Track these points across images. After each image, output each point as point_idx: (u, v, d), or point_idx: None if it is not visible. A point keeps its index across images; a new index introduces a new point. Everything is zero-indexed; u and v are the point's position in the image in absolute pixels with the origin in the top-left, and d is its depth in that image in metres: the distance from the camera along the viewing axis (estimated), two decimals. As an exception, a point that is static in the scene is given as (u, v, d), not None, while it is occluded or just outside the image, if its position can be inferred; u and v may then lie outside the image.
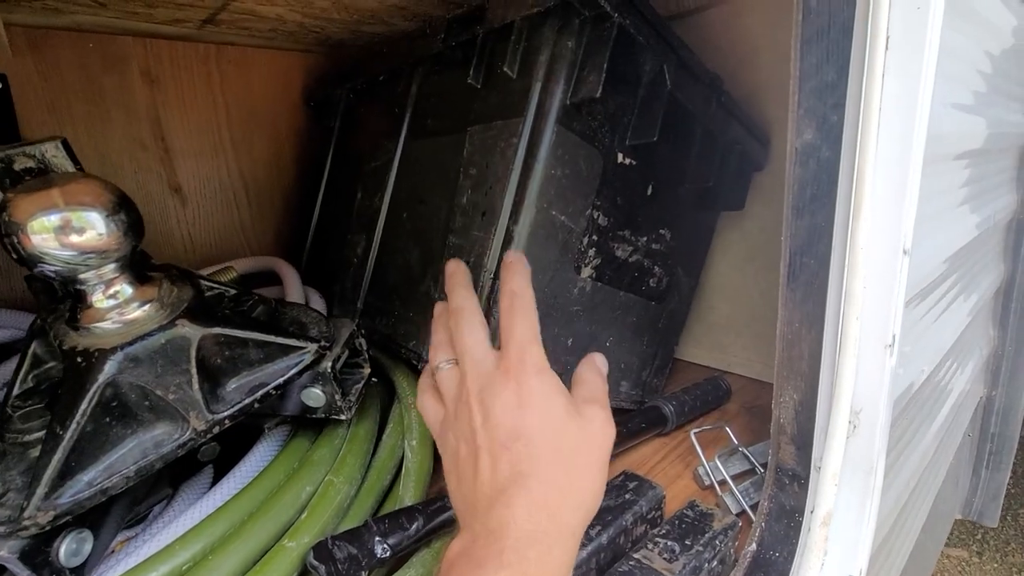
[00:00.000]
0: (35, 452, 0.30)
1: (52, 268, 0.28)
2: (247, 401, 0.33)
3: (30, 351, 0.33)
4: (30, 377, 0.33)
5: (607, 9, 0.37)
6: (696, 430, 0.46)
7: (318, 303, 0.64)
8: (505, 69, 0.42)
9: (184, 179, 0.79)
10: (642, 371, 0.56)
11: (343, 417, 0.39)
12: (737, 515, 0.40)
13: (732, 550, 0.35)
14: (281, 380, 0.35)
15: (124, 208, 0.29)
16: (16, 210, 0.27)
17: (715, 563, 0.33)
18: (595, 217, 0.45)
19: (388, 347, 0.53)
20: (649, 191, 0.49)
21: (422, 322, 0.47)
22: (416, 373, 0.52)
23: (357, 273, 0.60)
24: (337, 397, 0.39)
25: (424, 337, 0.47)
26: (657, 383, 0.59)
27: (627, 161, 0.46)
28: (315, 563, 0.30)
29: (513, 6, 0.42)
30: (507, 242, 0.41)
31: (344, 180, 0.71)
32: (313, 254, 0.76)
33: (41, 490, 0.27)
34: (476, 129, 0.45)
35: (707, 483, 0.44)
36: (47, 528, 0.27)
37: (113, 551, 0.34)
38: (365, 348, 0.43)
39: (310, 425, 0.44)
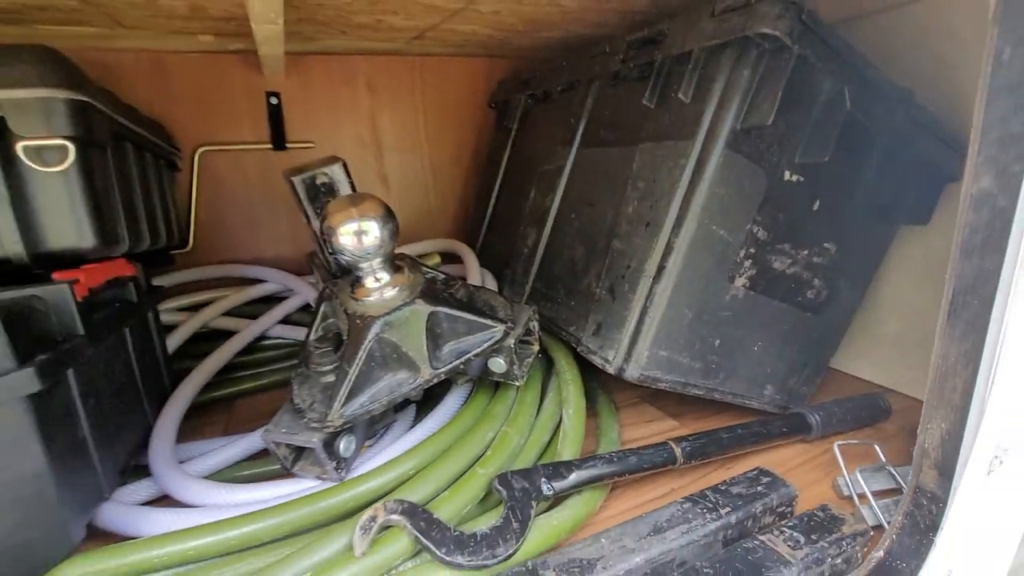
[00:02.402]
0: (326, 379, 0.44)
1: (345, 258, 0.42)
2: (456, 363, 0.44)
3: (321, 309, 0.48)
4: (320, 327, 0.48)
5: (787, 42, 0.40)
6: (841, 442, 0.48)
7: (491, 283, 0.76)
8: (680, 95, 0.46)
9: (389, 170, 0.97)
10: (788, 378, 0.57)
11: (517, 383, 0.50)
12: (872, 528, 0.41)
13: (860, 555, 0.38)
14: (479, 350, 0.45)
15: (392, 219, 0.41)
16: (332, 219, 0.40)
17: (839, 561, 0.36)
18: (754, 231, 0.48)
19: (549, 328, 0.62)
20: (816, 206, 0.50)
21: (582, 312, 0.55)
22: (574, 354, 0.61)
23: (527, 262, 0.70)
24: (515, 367, 0.49)
25: (583, 325, 0.55)
26: (806, 391, 0.60)
27: (794, 178, 0.48)
28: (500, 488, 0.40)
29: (693, 36, 0.46)
30: (667, 252, 0.46)
31: (519, 178, 0.81)
32: (487, 240, 0.88)
33: (338, 404, 0.40)
34: (647, 146, 0.51)
35: (845, 493, 0.46)
36: (338, 429, 0.41)
37: (359, 454, 0.49)
38: (537, 330, 0.53)
39: (488, 384, 0.55)
